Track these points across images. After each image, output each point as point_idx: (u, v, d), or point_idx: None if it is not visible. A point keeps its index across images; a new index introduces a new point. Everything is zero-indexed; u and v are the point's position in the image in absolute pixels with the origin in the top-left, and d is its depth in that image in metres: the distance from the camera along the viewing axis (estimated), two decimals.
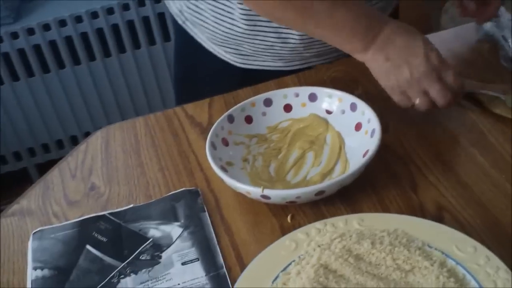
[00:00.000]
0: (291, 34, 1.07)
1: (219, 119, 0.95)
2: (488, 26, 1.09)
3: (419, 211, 0.82)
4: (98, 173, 0.99)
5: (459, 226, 0.79)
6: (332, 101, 0.97)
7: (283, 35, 1.08)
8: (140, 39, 2.31)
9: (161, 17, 2.29)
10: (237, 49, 1.13)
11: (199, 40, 1.18)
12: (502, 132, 0.92)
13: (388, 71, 0.91)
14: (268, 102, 0.99)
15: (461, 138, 0.93)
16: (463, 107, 0.99)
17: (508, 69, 1.04)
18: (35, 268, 0.82)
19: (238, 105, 0.98)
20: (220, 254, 0.81)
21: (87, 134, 2.27)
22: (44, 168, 1.10)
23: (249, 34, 1.08)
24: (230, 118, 0.97)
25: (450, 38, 1.18)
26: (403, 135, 0.95)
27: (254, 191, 0.83)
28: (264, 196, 0.83)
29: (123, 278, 0.80)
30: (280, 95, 0.99)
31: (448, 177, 0.87)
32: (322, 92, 0.98)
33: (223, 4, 1.06)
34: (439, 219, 0.81)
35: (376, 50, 0.91)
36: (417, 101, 0.90)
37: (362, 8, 0.93)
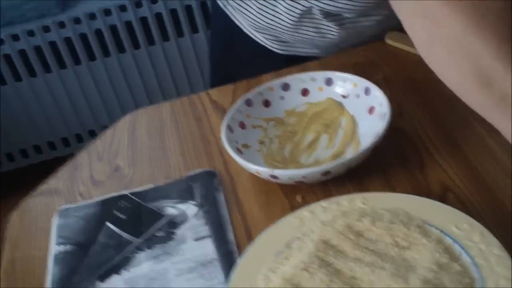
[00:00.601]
0: (331, 30, 1.11)
1: (237, 103, 0.99)
2: None
3: (424, 191, 0.84)
4: (123, 156, 1.04)
5: (461, 204, 0.81)
6: (347, 85, 0.99)
7: (323, 31, 1.12)
8: (168, 31, 2.38)
9: (189, 10, 2.36)
10: (277, 37, 1.17)
11: (238, 24, 1.21)
12: None
13: None
14: (286, 87, 1.02)
15: (471, 119, 0.94)
16: None
17: None
18: (58, 244, 0.88)
19: (256, 89, 1.01)
20: (232, 232, 0.85)
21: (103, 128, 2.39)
22: (50, 165, 1.16)
23: (290, 27, 1.12)
24: (248, 102, 1.00)
25: None
26: (416, 119, 0.97)
27: (263, 171, 0.86)
28: (273, 176, 0.86)
29: (138, 252, 0.84)
30: (298, 80, 1.02)
31: (455, 158, 0.88)
32: (337, 76, 1.00)
33: None
34: (442, 198, 0.82)
35: None
36: None
37: None
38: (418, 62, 1.09)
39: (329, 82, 1.01)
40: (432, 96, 1.01)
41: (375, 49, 1.15)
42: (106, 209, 0.92)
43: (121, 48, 2.41)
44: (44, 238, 0.91)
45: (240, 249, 0.82)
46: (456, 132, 0.93)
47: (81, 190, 0.99)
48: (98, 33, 2.36)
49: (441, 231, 0.75)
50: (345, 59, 1.15)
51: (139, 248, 0.85)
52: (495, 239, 0.71)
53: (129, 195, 0.94)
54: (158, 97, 2.51)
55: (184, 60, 2.46)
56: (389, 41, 1.15)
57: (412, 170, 0.88)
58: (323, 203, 0.83)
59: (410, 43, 1.12)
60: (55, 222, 0.92)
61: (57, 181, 1.02)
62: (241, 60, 1.27)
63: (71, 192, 0.99)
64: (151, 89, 2.52)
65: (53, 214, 0.94)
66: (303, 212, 0.82)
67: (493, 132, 0.89)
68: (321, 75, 1.01)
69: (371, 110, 0.95)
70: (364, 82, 0.97)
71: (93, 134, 2.53)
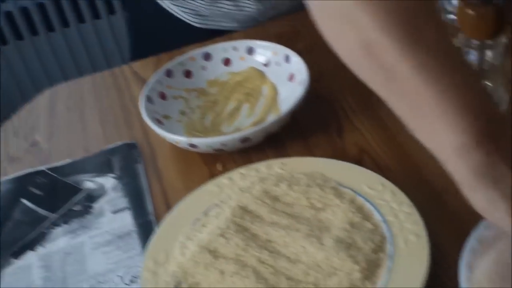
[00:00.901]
0: (248, 3, 1.11)
1: (157, 74, 0.97)
2: None
3: (342, 155, 0.85)
4: (41, 130, 1.02)
5: (376, 167, 0.81)
6: (268, 54, 0.99)
7: (240, 4, 1.11)
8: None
9: None
10: (195, 10, 1.15)
11: None
12: None
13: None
14: (207, 57, 1.01)
15: None
16: None
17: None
18: None
19: (177, 60, 1.00)
20: (151, 202, 0.84)
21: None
22: None
23: (207, 2, 1.11)
24: (169, 73, 0.99)
25: None
26: (335, 85, 0.97)
27: (182, 141, 0.85)
28: (191, 145, 0.85)
29: (54, 228, 0.82)
30: (219, 49, 1.01)
31: (372, 122, 0.89)
32: (258, 45, 1.00)
33: None
34: (359, 161, 0.83)
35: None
36: None
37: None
38: None
39: (250, 51, 1.00)
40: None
41: (299, 19, 1.14)
42: (21, 185, 0.90)
43: (34, 31, 2.37)
44: None
45: (159, 219, 0.81)
46: (374, 97, 0.93)
47: None
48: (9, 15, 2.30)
49: (354, 192, 0.75)
50: (270, 29, 1.14)
51: (55, 224, 0.83)
52: (405, 197, 0.72)
53: (46, 170, 0.92)
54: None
55: (102, 42, 2.42)
56: None
57: (331, 135, 0.89)
58: (242, 170, 0.82)
59: None
60: None
61: None
62: (161, 36, 1.25)
63: None
64: (69, 72, 2.47)
65: None
66: (222, 180, 0.82)
67: None
68: (242, 44, 1.00)
69: (291, 77, 0.95)
70: (284, 50, 0.97)
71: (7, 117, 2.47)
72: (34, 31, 2.36)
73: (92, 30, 2.41)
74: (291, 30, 1.13)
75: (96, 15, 2.39)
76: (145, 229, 0.80)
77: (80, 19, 2.38)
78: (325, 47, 1.05)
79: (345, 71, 0.99)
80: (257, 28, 1.15)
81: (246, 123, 0.94)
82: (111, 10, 2.38)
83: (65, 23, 2.37)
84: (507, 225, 0.55)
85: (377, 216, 0.71)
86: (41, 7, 2.31)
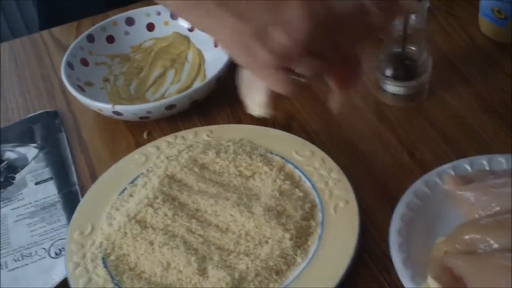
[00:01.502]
0: None
1: (77, 39, 0.94)
2: None
3: (270, 122, 0.84)
4: None
5: (305, 134, 0.81)
6: None
7: None
8: None
9: None
10: None
11: None
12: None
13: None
14: (130, 21, 0.98)
15: None
16: None
17: None
18: None
19: (98, 24, 0.97)
20: (75, 173, 0.82)
21: None
22: None
23: None
24: (90, 38, 0.95)
25: None
26: None
27: (105, 108, 0.83)
28: (116, 113, 0.83)
29: None
30: (142, 14, 0.99)
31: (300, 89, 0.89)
32: None
33: None
34: (287, 128, 0.83)
35: None
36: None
37: None
38: None
39: (174, 15, 0.98)
40: None
41: None
42: None
43: None
44: None
45: (84, 190, 0.79)
46: None
47: None
48: None
49: (283, 159, 0.75)
50: None
51: None
52: (334, 164, 0.73)
53: None
54: None
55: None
56: None
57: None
58: (169, 138, 0.81)
59: None
60: None
61: None
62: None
63: None
64: None
65: None
66: (148, 148, 0.80)
67: None
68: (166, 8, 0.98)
69: (216, 43, 0.93)
70: None
71: None
72: None
73: None
74: None
75: None
76: (70, 200, 0.78)
77: None
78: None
79: None
80: None
81: (172, 90, 0.92)
82: None
83: None
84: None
85: (307, 183, 0.72)
86: None
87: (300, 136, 0.79)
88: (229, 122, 0.86)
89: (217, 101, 0.88)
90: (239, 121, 0.86)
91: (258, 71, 0.59)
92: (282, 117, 0.85)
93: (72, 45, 0.93)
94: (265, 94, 0.63)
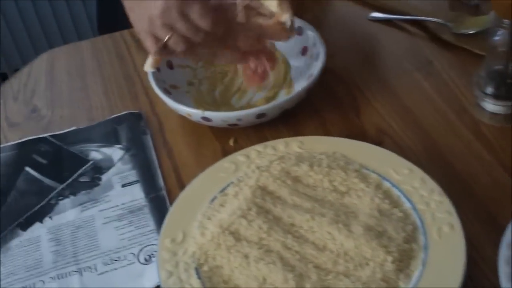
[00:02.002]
0: None
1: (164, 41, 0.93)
2: None
3: (361, 135, 0.82)
4: (40, 96, 0.97)
5: (399, 149, 0.79)
6: None
7: None
8: None
9: None
10: None
11: None
12: (447, 59, 0.92)
13: (131, 10, 0.79)
14: None
15: (406, 63, 0.92)
16: (410, 33, 0.98)
17: None
18: None
19: None
20: (161, 176, 0.81)
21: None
22: None
23: None
24: None
25: None
26: (348, 59, 0.95)
27: (195, 113, 0.82)
28: (205, 118, 0.82)
29: (62, 199, 0.79)
30: None
31: (391, 102, 0.87)
32: None
33: None
34: (379, 142, 0.81)
35: None
36: (168, 39, 0.76)
37: None
38: (347, 3, 1.07)
39: None
40: (363, 38, 0.99)
41: None
42: (24, 152, 0.86)
43: None
44: None
45: (170, 195, 0.78)
46: (390, 75, 0.91)
47: None
48: None
49: (380, 176, 0.73)
50: None
51: (62, 195, 0.79)
52: (435, 184, 0.70)
53: (49, 137, 0.88)
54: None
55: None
56: None
57: (347, 113, 0.86)
58: (258, 147, 0.79)
59: None
60: None
61: None
62: None
63: None
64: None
65: None
66: (238, 157, 0.79)
67: (429, 75, 0.89)
68: None
69: (304, 51, 0.92)
70: (296, 21, 0.93)
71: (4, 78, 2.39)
72: None
73: None
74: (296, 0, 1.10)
75: None
76: (157, 204, 0.77)
77: None
78: (332, 20, 1.04)
79: (357, 47, 0.97)
80: None
81: (258, 97, 0.91)
82: None
83: None
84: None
85: (406, 204, 0.69)
86: None
87: (392, 151, 0.77)
88: (317, 132, 0.84)
89: (305, 110, 0.87)
90: (327, 132, 0.84)
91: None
92: (374, 131, 0.83)
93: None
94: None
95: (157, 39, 0.76)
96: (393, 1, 1.03)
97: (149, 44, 0.77)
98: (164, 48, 0.76)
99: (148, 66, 0.82)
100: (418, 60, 0.93)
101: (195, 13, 0.74)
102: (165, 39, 0.75)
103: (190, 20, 0.74)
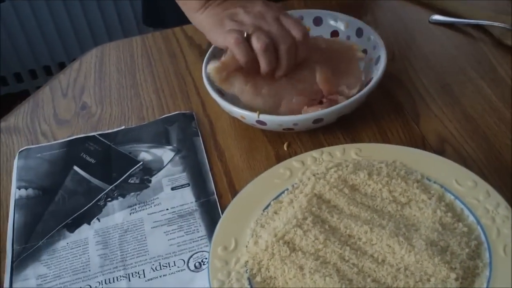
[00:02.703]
0: None
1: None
2: None
3: (421, 143, 0.79)
4: (90, 93, 0.96)
5: (461, 159, 0.75)
6: (338, 25, 0.92)
7: None
8: None
9: None
10: None
11: None
12: None
13: (222, 18, 0.82)
14: None
15: (470, 69, 0.89)
16: (473, 38, 0.94)
17: None
18: (19, 187, 0.80)
19: None
20: (212, 180, 0.78)
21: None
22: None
23: None
24: None
25: None
26: (409, 64, 0.91)
27: (249, 116, 0.79)
28: (259, 122, 0.79)
29: (110, 201, 0.77)
30: None
31: (452, 109, 0.83)
32: (328, 15, 0.93)
33: None
34: (440, 151, 0.77)
35: (214, 6, 0.84)
36: (249, 31, 0.78)
37: None
38: (409, 4, 1.03)
39: (317, 21, 0.93)
40: (425, 41, 0.95)
41: None
42: (73, 151, 0.84)
43: None
44: (5, 180, 0.82)
45: (221, 200, 0.76)
46: (452, 80, 0.87)
47: (43, 129, 0.91)
48: None
49: (442, 187, 0.69)
50: None
51: (110, 196, 0.78)
52: (502, 198, 0.66)
53: (98, 136, 0.86)
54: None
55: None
56: None
57: (406, 119, 0.83)
58: (314, 153, 0.76)
59: None
60: (15, 164, 0.84)
61: (16, 118, 0.93)
62: None
63: (32, 131, 0.91)
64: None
65: (14, 155, 0.85)
66: (293, 162, 0.76)
67: (493, 83, 0.85)
68: (309, 13, 0.94)
69: (363, 52, 0.88)
70: (356, 23, 0.90)
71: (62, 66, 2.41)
72: None
73: None
74: (355, 1, 1.07)
75: None
76: (208, 209, 0.75)
77: None
78: (393, 22, 1.00)
79: (418, 51, 0.93)
80: None
81: None
82: None
83: None
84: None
85: (470, 218, 0.66)
86: None
87: (454, 161, 0.73)
88: (375, 139, 0.81)
89: (363, 116, 0.83)
90: (386, 139, 0.80)
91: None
92: (434, 139, 0.79)
93: (212, 47, 0.89)
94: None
95: (241, 32, 0.77)
96: (455, 4, 0.99)
97: (231, 37, 0.76)
98: (244, 43, 0.76)
99: (212, 69, 0.79)
100: (481, 66, 0.89)
101: (290, 21, 0.78)
102: (250, 32, 0.77)
103: (283, 25, 0.78)
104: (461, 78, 0.87)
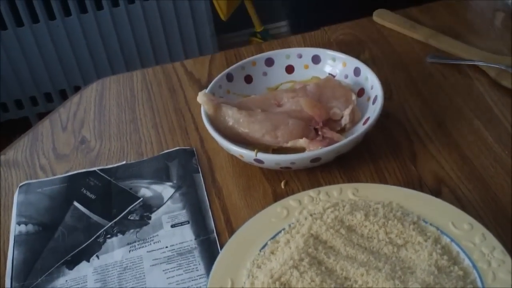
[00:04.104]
0: None
1: (218, 77, 0.92)
2: None
3: (417, 184, 0.80)
4: (89, 127, 0.97)
5: (457, 201, 0.76)
6: (336, 64, 0.94)
7: None
8: None
9: None
10: None
11: None
12: (509, 106, 0.89)
13: None
14: (269, 62, 0.96)
15: (466, 109, 0.90)
16: (470, 78, 0.95)
17: None
18: (18, 223, 0.80)
19: (238, 63, 0.95)
20: (212, 218, 0.79)
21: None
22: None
23: None
24: (229, 77, 0.93)
25: (463, 6, 1.13)
26: (406, 103, 0.92)
27: (247, 155, 0.80)
28: (257, 160, 0.80)
29: (109, 238, 0.77)
30: (283, 55, 0.96)
31: (449, 150, 0.84)
32: (326, 54, 0.94)
33: None
34: (437, 192, 0.78)
35: None
36: None
37: None
38: (405, 42, 1.05)
39: (316, 59, 0.95)
40: (422, 80, 0.96)
41: (361, 27, 1.10)
42: (73, 186, 0.85)
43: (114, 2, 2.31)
44: (4, 215, 0.83)
45: (219, 237, 0.77)
46: (449, 121, 0.89)
47: (42, 163, 0.91)
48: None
49: (438, 229, 0.70)
50: (330, 36, 1.09)
51: (110, 233, 0.78)
52: (497, 242, 0.67)
53: (98, 171, 0.87)
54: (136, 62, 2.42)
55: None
56: (377, 19, 1.10)
57: (403, 159, 0.84)
58: (311, 193, 0.77)
59: (397, 21, 1.07)
60: (15, 199, 0.85)
61: (16, 152, 0.94)
62: None
63: (31, 165, 0.91)
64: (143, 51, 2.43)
65: (13, 189, 0.86)
66: (290, 201, 0.77)
67: (490, 123, 0.86)
68: (308, 51, 0.95)
69: (360, 92, 0.90)
70: (354, 62, 0.92)
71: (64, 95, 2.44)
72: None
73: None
74: (353, 38, 1.08)
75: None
76: (207, 247, 0.75)
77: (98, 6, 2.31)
78: (391, 60, 1.01)
79: (415, 90, 0.95)
80: (316, 33, 1.10)
81: None
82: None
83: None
84: None
85: (466, 261, 0.66)
86: None
87: (450, 202, 0.74)
88: (372, 178, 0.82)
89: (360, 154, 0.84)
90: (383, 179, 0.81)
91: None
92: (431, 180, 0.80)
93: (212, 83, 0.91)
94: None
95: None
96: (452, 43, 1.01)
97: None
98: None
99: (204, 97, 0.84)
100: (477, 106, 0.90)
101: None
102: None
103: None
104: (458, 118, 0.89)
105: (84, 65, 2.40)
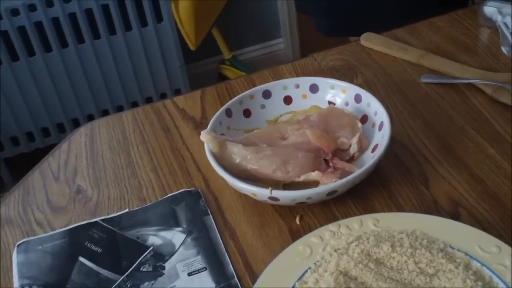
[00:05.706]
0: None
1: (217, 114, 0.90)
2: (490, 11, 1.05)
3: (434, 208, 0.79)
4: (83, 175, 0.93)
5: (476, 222, 0.75)
6: (336, 92, 0.92)
7: None
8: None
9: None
10: None
11: None
12: (509, 121, 0.89)
13: None
14: (267, 94, 0.94)
15: (468, 128, 0.89)
16: (466, 96, 0.95)
17: (508, 56, 1.01)
18: (22, 286, 0.76)
19: (236, 98, 0.93)
20: (230, 262, 0.76)
21: (89, 118, 2.24)
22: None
23: None
24: (228, 112, 0.91)
25: (447, 24, 1.13)
26: (408, 126, 0.91)
27: (260, 193, 0.78)
28: (272, 198, 0.78)
29: None
30: (280, 86, 0.94)
31: (459, 170, 0.83)
32: (324, 82, 0.93)
33: None
34: (455, 215, 0.77)
35: None
36: None
37: None
38: (396, 64, 1.05)
39: (314, 88, 0.93)
40: (419, 101, 0.96)
41: (350, 51, 1.09)
42: (76, 240, 0.81)
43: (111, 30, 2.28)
44: (4, 279, 0.78)
45: (241, 282, 0.74)
46: (453, 141, 0.88)
47: (38, 218, 0.87)
48: (89, 12, 2.22)
49: (467, 254, 0.69)
50: (320, 62, 1.08)
51: (122, 287, 0.75)
52: None
53: (101, 222, 0.83)
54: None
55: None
56: (364, 43, 1.09)
57: (415, 183, 0.83)
58: (331, 227, 0.75)
59: (385, 44, 1.07)
60: (14, 259, 0.80)
61: (7, 208, 0.89)
62: None
63: (25, 221, 0.86)
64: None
65: (10, 249, 0.82)
66: (311, 238, 0.74)
67: (494, 141, 0.86)
68: (305, 81, 0.94)
69: (363, 119, 0.88)
70: (354, 89, 0.90)
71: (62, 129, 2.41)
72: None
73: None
74: (344, 64, 1.07)
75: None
76: None
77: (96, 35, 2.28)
78: (385, 83, 1.01)
79: (414, 111, 0.94)
80: (307, 60, 1.09)
81: None
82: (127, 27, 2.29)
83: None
84: None
85: (500, 285, 0.65)
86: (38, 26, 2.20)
87: (470, 224, 0.73)
88: (387, 206, 0.80)
89: (371, 182, 0.83)
90: (398, 205, 0.80)
91: None
92: (446, 203, 0.79)
93: (212, 121, 0.88)
94: None
95: None
96: (444, 63, 1.01)
97: None
98: None
99: (208, 135, 0.83)
100: (478, 123, 0.90)
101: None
102: None
103: None
104: (461, 137, 0.88)
105: (82, 98, 2.37)
